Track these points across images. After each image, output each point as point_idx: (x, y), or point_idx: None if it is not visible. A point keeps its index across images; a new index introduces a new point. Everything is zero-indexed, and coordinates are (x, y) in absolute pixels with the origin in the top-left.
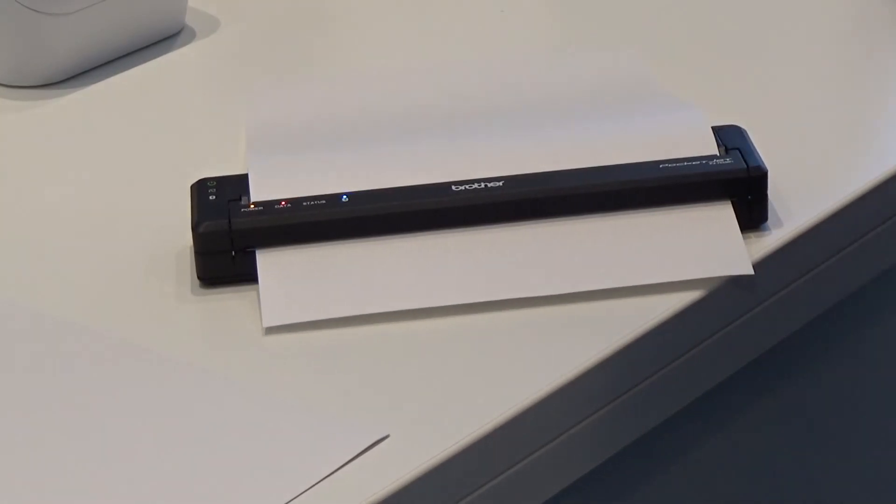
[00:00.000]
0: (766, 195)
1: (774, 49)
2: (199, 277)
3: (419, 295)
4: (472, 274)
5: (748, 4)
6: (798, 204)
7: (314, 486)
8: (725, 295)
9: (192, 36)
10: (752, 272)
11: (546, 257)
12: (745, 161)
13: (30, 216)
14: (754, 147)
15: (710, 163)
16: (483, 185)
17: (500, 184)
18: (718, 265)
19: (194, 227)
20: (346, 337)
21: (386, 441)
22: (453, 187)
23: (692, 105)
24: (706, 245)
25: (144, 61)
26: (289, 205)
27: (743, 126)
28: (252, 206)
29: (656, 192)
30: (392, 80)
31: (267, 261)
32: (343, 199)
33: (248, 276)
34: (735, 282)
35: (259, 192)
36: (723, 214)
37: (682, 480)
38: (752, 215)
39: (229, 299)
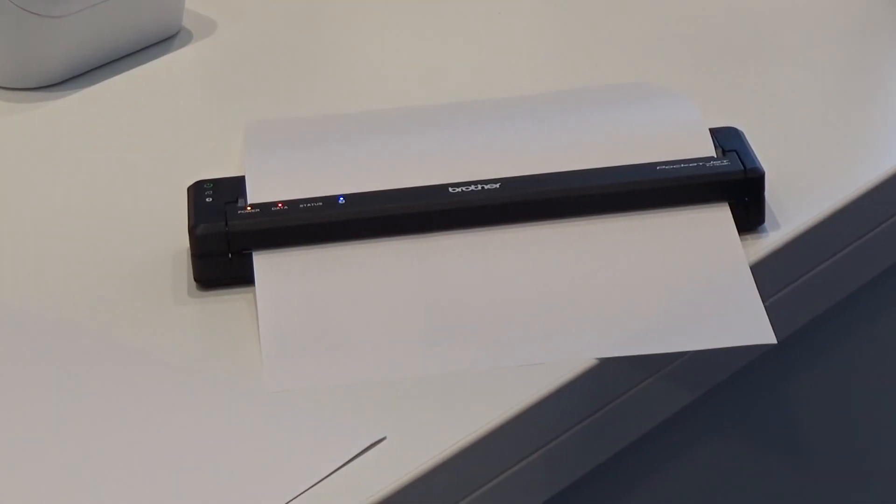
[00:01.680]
0: (763, 197)
1: (772, 51)
2: (195, 279)
3: (421, 362)
4: (477, 338)
5: (745, 6)
6: (795, 206)
7: (311, 487)
8: None
9: (189, 38)
10: (774, 341)
11: (552, 312)
12: (743, 163)
13: (27, 218)
14: (751, 149)
15: (708, 164)
16: (480, 186)
17: (497, 186)
18: (740, 335)
19: (191, 229)
20: None
21: (383, 443)
22: (450, 189)
23: (690, 103)
24: (721, 299)
25: (142, 63)
26: (285, 207)
27: (740, 128)
28: (249, 208)
29: (653, 194)
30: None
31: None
32: (340, 201)
33: (244, 278)
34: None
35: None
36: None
37: (681, 481)
38: (750, 217)
39: (226, 301)
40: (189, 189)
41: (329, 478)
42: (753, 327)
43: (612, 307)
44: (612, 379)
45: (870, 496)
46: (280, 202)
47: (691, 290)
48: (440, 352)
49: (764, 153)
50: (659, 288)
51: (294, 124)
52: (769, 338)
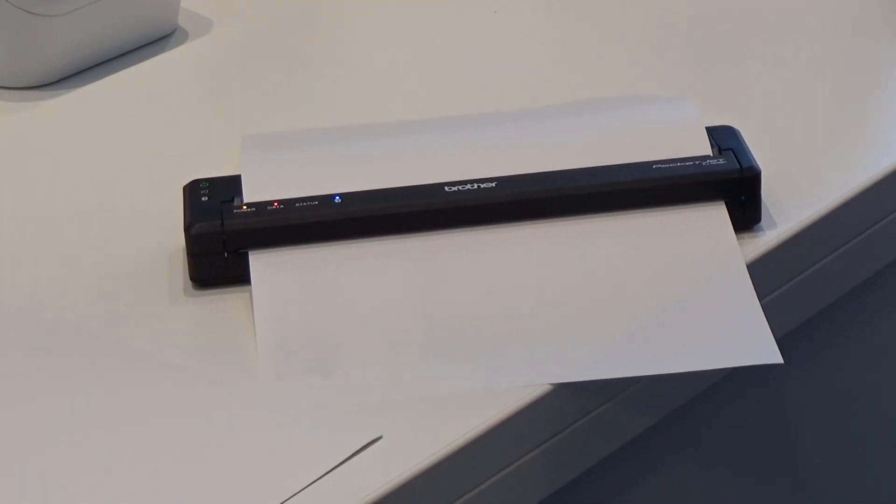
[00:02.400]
0: (759, 196)
1: (768, 49)
2: (191, 279)
3: (419, 381)
4: (473, 355)
5: (742, 4)
6: (792, 205)
7: (307, 487)
8: None
9: (185, 37)
10: (780, 360)
11: (549, 320)
12: (739, 161)
13: (22, 217)
14: (748, 147)
15: (704, 163)
16: (476, 185)
17: (493, 184)
18: (746, 354)
19: (187, 229)
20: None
21: (379, 442)
22: (446, 188)
23: (688, 103)
24: (721, 312)
25: (137, 62)
26: (281, 206)
27: (736, 126)
28: (244, 207)
29: (650, 192)
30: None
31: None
32: (336, 200)
33: (240, 277)
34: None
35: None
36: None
37: (682, 478)
38: (746, 216)
39: (222, 300)
40: (185, 188)
41: (325, 477)
42: (756, 345)
43: (610, 317)
44: (603, 380)
45: (868, 497)
46: (276, 201)
47: (689, 300)
48: (438, 370)
49: (760, 152)
50: (656, 295)
51: (289, 136)
52: (774, 356)
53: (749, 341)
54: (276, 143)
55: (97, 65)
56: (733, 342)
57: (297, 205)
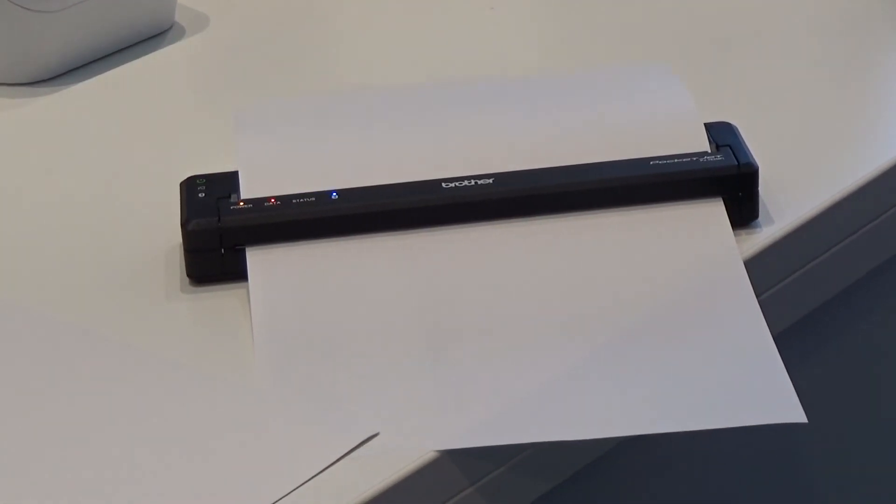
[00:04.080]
0: (756, 192)
1: (766, 46)
2: (188, 275)
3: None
4: (486, 415)
5: (740, 1)
6: (789, 201)
7: (304, 483)
8: None
9: (181, 33)
10: (804, 420)
11: (562, 391)
12: (737, 158)
13: (18, 214)
14: (745, 144)
15: (701, 160)
16: (473, 182)
17: (491, 181)
18: (766, 411)
19: (183, 225)
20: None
21: (376, 438)
22: (443, 184)
23: (685, 99)
24: (738, 356)
25: (134, 59)
26: (278, 202)
27: (734, 123)
28: (241, 203)
29: (647, 189)
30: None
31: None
32: (333, 197)
33: (237, 273)
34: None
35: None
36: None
37: (680, 477)
38: (743, 213)
39: (219, 297)
40: (181, 184)
41: (322, 474)
42: (774, 398)
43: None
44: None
45: (867, 497)
46: (273, 197)
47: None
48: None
49: (758, 148)
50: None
51: (282, 109)
52: (795, 414)
53: (764, 393)
54: (271, 132)
55: (93, 61)
56: (746, 393)
57: (293, 201)
